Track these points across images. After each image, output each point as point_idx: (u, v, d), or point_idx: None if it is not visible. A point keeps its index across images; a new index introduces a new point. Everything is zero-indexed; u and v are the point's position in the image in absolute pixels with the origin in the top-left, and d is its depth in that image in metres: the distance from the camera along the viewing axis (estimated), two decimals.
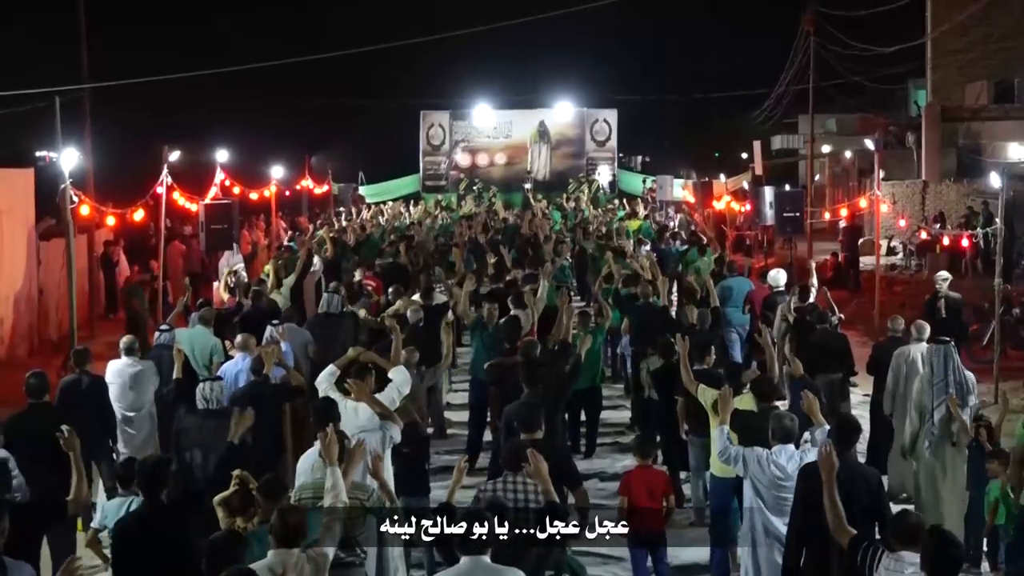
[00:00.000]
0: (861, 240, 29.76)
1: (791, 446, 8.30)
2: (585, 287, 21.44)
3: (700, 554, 10.21)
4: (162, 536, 7.04)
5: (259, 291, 15.42)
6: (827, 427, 8.52)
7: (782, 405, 10.31)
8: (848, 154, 45.56)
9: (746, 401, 9.76)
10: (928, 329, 11.99)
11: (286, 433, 10.64)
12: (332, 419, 8.57)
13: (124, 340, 12.02)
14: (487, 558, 6.15)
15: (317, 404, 8.91)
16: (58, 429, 7.74)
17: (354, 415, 9.33)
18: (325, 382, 9.95)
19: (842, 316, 14.98)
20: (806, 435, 8.63)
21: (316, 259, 19.51)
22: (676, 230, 27.60)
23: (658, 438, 12.32)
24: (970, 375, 10.83)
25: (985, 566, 9.85)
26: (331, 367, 10.20)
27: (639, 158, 63.09)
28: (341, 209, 39.11)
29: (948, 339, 10.97)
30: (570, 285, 20.13)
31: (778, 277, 16.10)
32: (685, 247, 23.02)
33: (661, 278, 15.60)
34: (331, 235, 22.47)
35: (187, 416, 9.53)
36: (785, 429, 8.33)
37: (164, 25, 61.73)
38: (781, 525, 8.26)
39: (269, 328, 12.84)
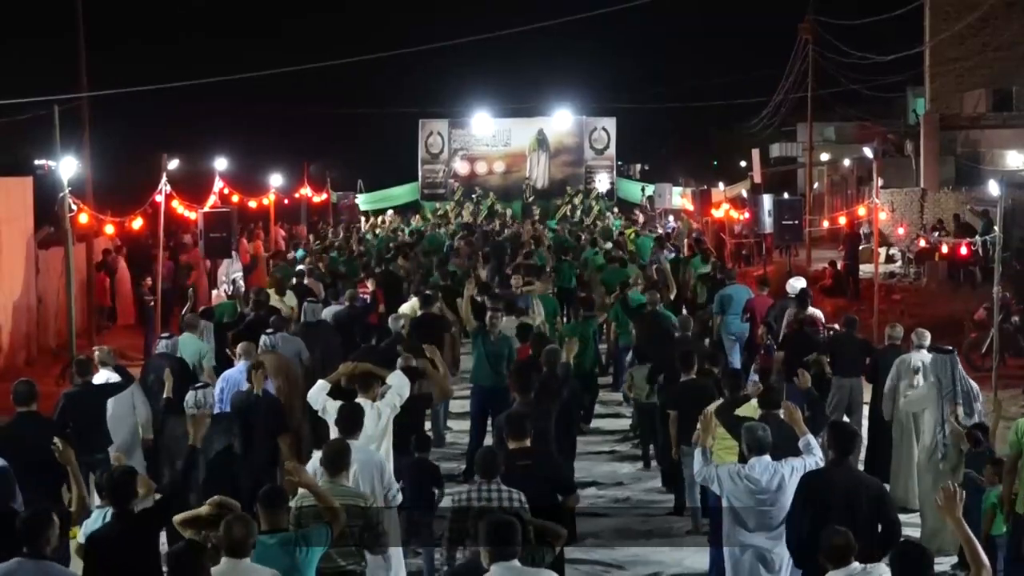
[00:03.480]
0: (860, 247, 29.76)
1: (766, 457, 8.27)
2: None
3: (701, 560, 10.21)
4: (129, 547, 7.06)
5: (260, 300, 15.51)
6: (810, 435, 8.55)
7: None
8: (847, 162, 45.57)
9: (748, 410, 9.76)
10: (928, 336, 11.99)
11: (283, 444, 10.59)
12: (358, 425, 8.63)
13: (99, 353, 11.96)
14: (517, 562, 6.16)
15: (344, 409, 8.92)
16: (45, 437, 7.73)
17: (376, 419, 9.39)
18: (318, 396, 9.95)
19: (835, 327, 15.01)
20: (801, 443, 8.61)
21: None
22: (671, 236, 27.65)
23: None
24: (973, 383, 10.82)
25: None
26: (321, 381, 10.20)
27: (638, 166, 63.06)
28: (344, 218, 39.17)
29: (951, 348, 10.97)
30: (572, 287, 20.43)
31: (796, 285, 16.10)
32: (674, 254, 23.15)
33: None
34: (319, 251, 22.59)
35: (178, 424, 9.52)
36: (758, 440, 8.30)
37: (163, 34, 61.83)
38: (764, 540, 8.24)
39: (264, 337, 12.84)
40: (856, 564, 6.49)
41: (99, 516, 7.97)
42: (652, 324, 14.96)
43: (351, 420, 8.71)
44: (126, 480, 7.37)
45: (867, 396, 13.30)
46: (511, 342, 13.71)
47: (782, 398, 9.71)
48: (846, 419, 12.66)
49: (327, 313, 15.53)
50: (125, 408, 11.52)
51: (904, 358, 11.96)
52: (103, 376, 11.61)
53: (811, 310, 14.95)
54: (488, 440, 13.20)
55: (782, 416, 9.07)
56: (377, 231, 33.82)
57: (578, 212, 42.13)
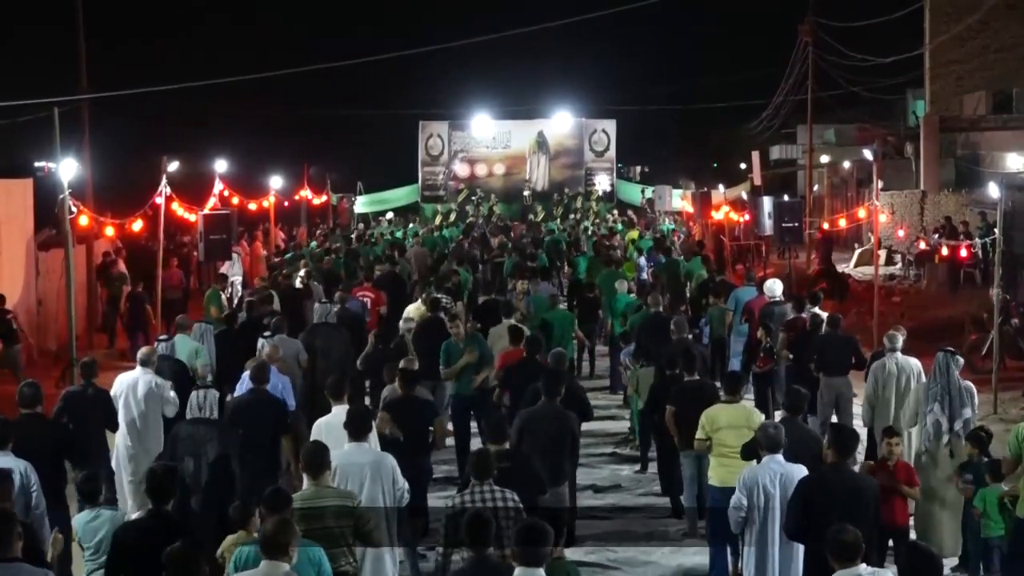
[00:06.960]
0: (860, 250, 29.74)
1: (779, 455, 8.30)
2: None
3: (700, 561, 10.21)
4: (164, 547, 7.01)
5: (252, 302, 15.50)
6: None
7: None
8: (847, 164, 45.55)
9: (740, 413, 9.80)
10: (900, 339, 12.06)
11: (285, 450, 10.52)
12: (368, 428, 8.78)
13: (142, 352, 11.75)
14: (542, 571, 6.11)
15: (353, 413, 8.91)
16: (49, 440, 7.70)
17: None
18: None
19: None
20: None
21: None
22: (668, 239, 27.68)
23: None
24: (970, 385, 10.80)
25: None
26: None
27: (638, 168, 63.10)
28: (339, 221, 39.20)
29: (952, 349, 10.98)
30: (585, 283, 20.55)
31: (774, 287, 16.12)
32: (666, 259, 23.19)
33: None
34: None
35: (181, 425, 9.52)
36: (771, 438, 8.33)
37: (163, 36, 61.86)
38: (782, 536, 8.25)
39: (261, 340, 12.82)
40: (864, 566, 6.33)
41: (90, 518, 7.92)
42: (658, 326, 14.91)
43: (360, 423, 8.67)
44: (166, 479, 7.35)
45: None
46: (478, 339, 13.70)
47: (805, 404, 9.79)
48: (835, 419, 12.74)
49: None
50: (156, 412, 11.30)
51: (880, 362, 12.07)
52: (139, 374, 11.38)
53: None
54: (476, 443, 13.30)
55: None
56: (381, 231, 33.93)
57: (572, 215, 42.07)
